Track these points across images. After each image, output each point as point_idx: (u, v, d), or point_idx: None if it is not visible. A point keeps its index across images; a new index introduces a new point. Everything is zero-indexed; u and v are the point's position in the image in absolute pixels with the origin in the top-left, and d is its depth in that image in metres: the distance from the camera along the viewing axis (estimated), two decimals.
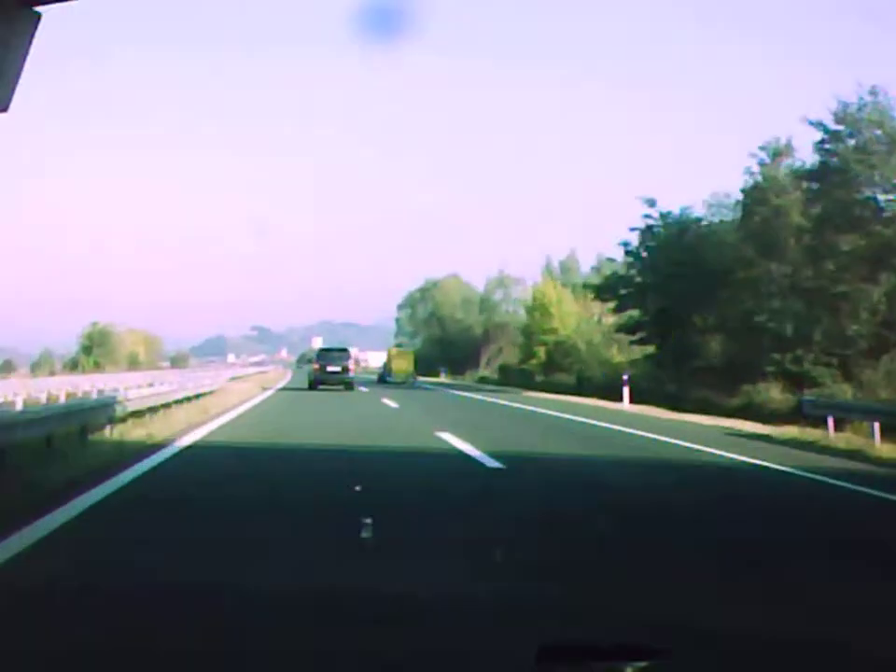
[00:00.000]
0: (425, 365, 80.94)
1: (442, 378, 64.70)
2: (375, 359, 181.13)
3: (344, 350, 38.94)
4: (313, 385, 35.26)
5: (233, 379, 40.94)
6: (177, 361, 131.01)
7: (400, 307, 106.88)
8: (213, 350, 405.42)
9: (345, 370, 35.19)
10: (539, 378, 48.35)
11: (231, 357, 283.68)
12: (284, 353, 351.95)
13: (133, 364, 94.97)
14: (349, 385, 35.10)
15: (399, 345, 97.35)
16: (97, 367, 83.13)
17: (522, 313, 77.06)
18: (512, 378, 54.17)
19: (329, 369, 35.11)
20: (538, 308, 53.44)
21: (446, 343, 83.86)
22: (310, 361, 41.96)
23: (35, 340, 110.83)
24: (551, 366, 49.64)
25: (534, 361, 52.82)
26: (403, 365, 53.97)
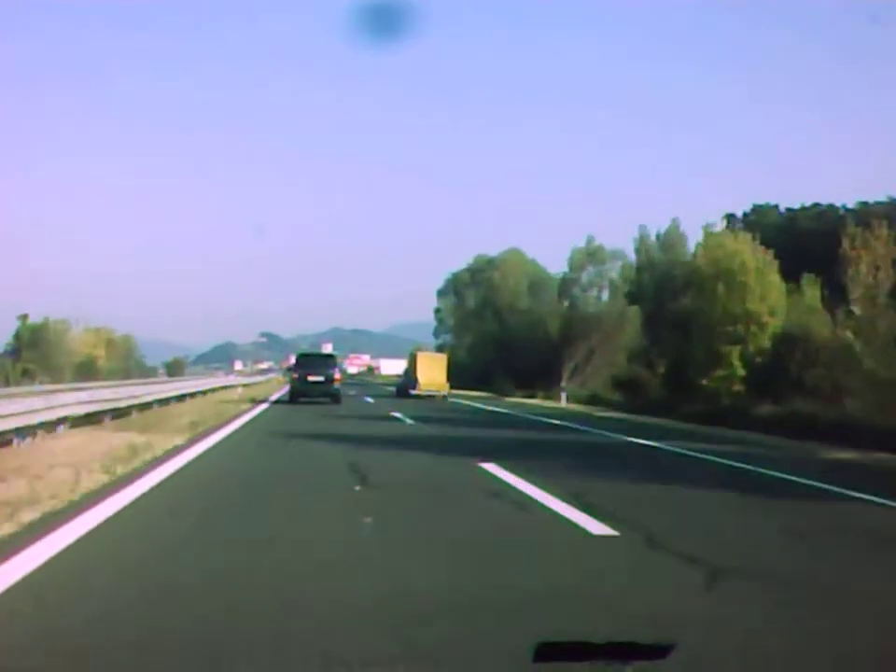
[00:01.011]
0: (476, 375, 59.08)
1: (564, 403, 37.88)
2: (389, 367, 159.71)
3: (329, 356, 33.83)
4: (293, 398, 29.84)
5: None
6: (173, 369, 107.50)
7: (441, 294, 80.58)
8: (221, 357, 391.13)
9: (330, 380, 29.46)
10: (757, 410, 24.38)
11: (237, 365, 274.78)
12: (292, 359, 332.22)
13: (89, 372, 71.77)
14: (335, 398, 29.17)
15: (440, 347, 71.65)
16: (26, 376, 60.57)
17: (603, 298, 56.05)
18: (644, 400, 31.13)
19: (311, 379, 29.40)
20: (723, 276, 29.52)
21: (506, 343, 59.83)
22: (289, 369, 35.34)
23: None
24: (767, 383, 25.82)
25: (720, 373, 29.03)
26: (434, 374, 38.86)
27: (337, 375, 30.03)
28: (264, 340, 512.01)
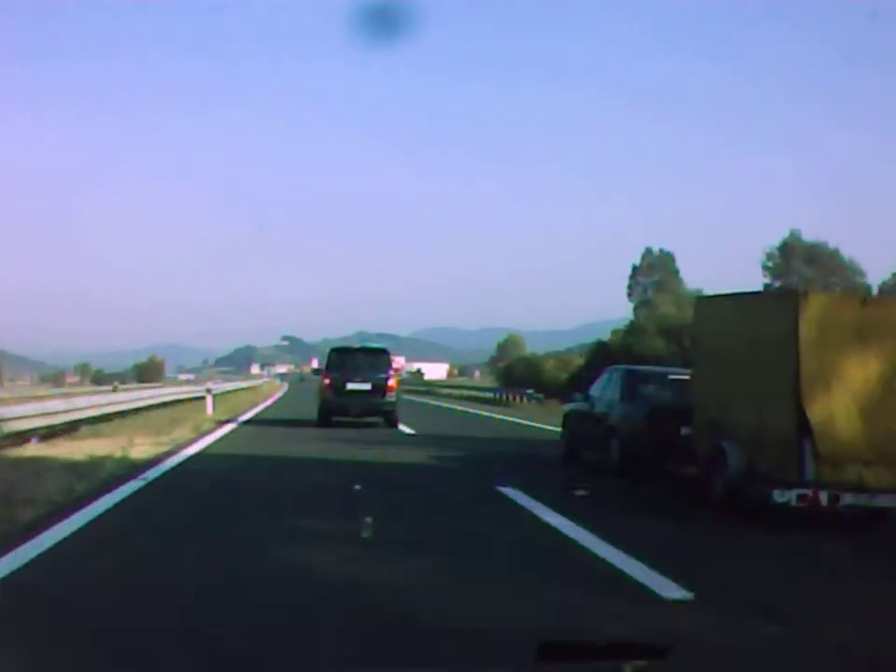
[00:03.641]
0: None
1: None
2: (429, 372, 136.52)
3: (379, 351, 22.21)
4: (324, 418, 20.66)
5: None
6: (147, 372, 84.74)
7: None
8: (241, 360, 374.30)
9: (380, 388, 20.59)
10: None
11: (254, 369, 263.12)
12: (315, 363, 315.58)
13: None
14: (389, 418, 20.56)
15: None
16: None
17: None
18: None
19: (352, 386, 20.50)
20: None
21: None
22: (317, 372, 24.48)
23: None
24: None
25: None
26: None
27: (392, 381, 20.79)
28: (286, 343, 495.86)
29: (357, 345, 24.30)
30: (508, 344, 68.31)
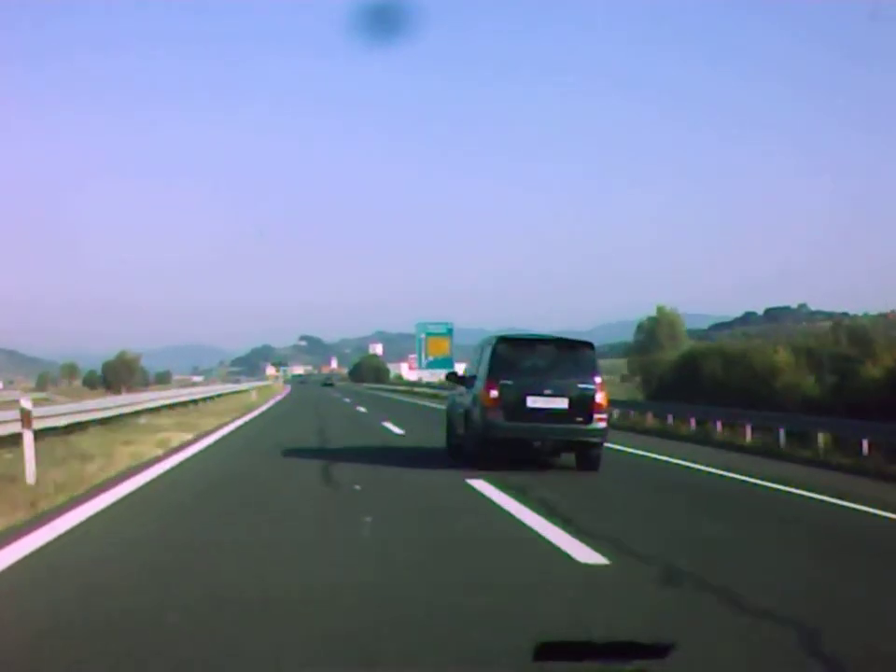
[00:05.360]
0: None
1: None
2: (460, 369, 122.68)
3: (579, 345, 13.73)
4: (480, 452, 13.28)
5: None
6: (114, 372, 71.51)
7: None
8: (258, 361, 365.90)
9: (584, 406, 12.92)
10: None
11: (269, 370, 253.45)
12: (333, 363, 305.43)
13: None
14: (591, 458, 13.42)
15: None
16: None
17: None
18: None
19: (536, 402, 12.93)
20: None
21: None
22: (461, 381, 15.03)
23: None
24: None
25: None
26: None
27: (601, 395, 12.92)
28: (304, 343, 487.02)
29: (537, 335, 14.81)
30: (659, 325, 44.26)
